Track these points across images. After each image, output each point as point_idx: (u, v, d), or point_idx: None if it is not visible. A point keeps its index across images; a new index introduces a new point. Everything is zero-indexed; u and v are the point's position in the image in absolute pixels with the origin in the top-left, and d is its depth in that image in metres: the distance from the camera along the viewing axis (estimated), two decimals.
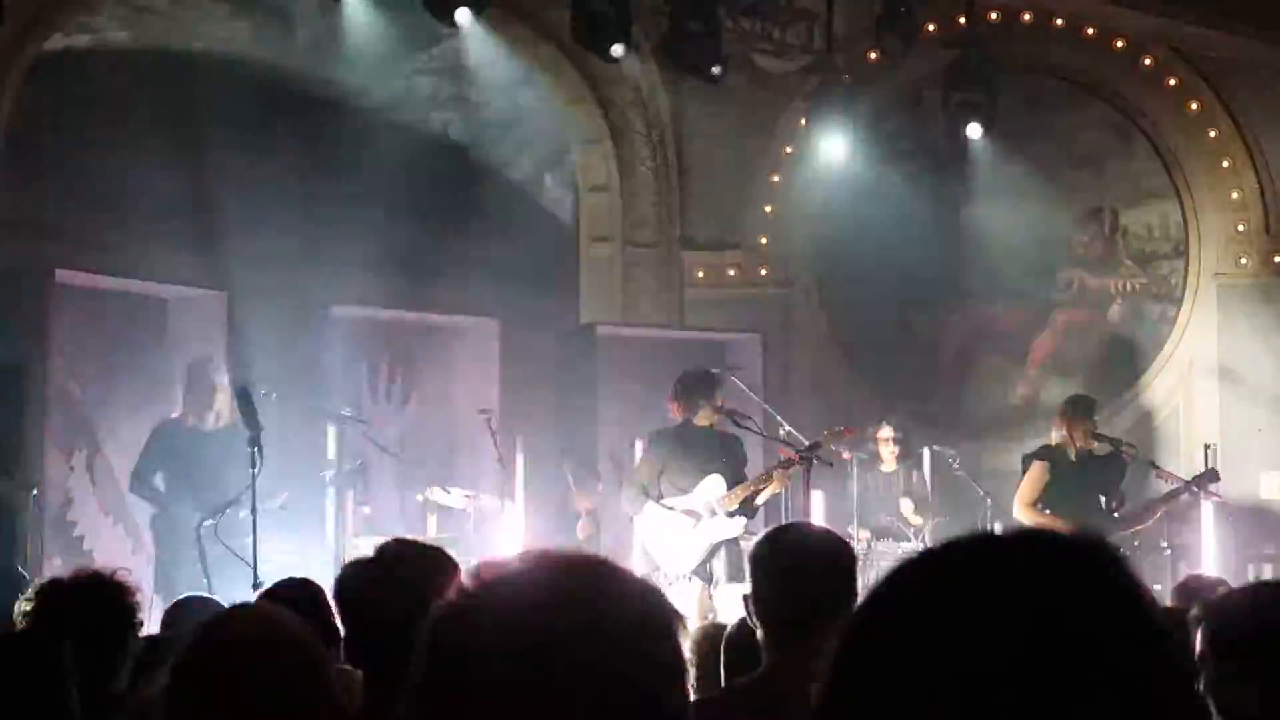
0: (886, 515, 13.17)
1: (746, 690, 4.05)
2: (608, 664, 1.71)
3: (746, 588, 4.20)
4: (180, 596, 7.36)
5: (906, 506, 13.16)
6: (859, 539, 12.64)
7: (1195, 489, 11.47)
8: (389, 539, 5.39)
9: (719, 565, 10.76)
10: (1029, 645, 1.33)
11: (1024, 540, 1.44)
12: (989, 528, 12.60)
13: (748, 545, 10.50)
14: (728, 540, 10.76)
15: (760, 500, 11.06)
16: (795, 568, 4.02)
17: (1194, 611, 3.86)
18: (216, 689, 3.15)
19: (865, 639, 1.41)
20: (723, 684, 5.10)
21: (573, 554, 1.86)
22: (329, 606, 5.89)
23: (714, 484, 10.89)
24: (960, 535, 1.47)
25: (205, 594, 7.60)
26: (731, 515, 10.86)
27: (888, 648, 1.38)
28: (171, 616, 6.59)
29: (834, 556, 4.11)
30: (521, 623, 1.72)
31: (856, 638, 1.42)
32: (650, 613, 1.79)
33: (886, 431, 13.65)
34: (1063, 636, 1.34)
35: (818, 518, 12.23)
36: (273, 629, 3.24)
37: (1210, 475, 11.73)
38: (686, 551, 10.80)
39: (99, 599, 4.81)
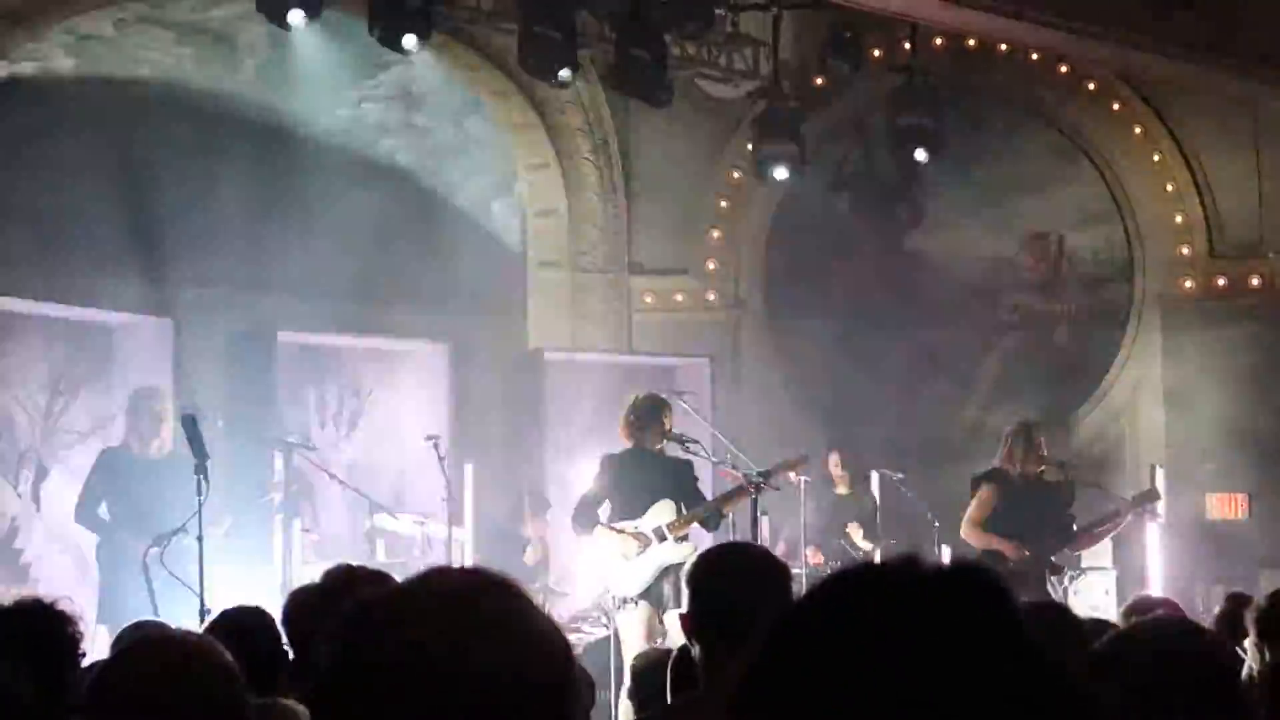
0: (838, 539, 13.24)
1: (683, 710, 4.06)
2: (498, 682, 1.76)
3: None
4: (131, 621, 7.33)
5: (855, 531, 13.25)
6: (810, 562, 12.69)
7: (1136, 509, 11.54)
8: (335, 565, 5.39)
9: (668, 589, 10.74)
10: (911, 675, 1.37)
11: (907, 572, 1.48)
12: (937, 550, 12.68)
13: None
14: (676, 564, 10.75)
15: (727, 510, 11.06)
16: (730, 586, 4.03)
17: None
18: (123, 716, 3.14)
19: (767, 665, 1.45)
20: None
21: (472, 573, 1.91)
22: (278, 634, 5.89)
23: (664, 509, 10.89)
24: (849, 567, 1.53)
25: (157, 619, 7.56)
26: (680, 540, 10.86)
27: (786, 675, 1.42)
28: (121, 641, 6.54)
29: (770, 575, 4.12)
30: (412, 641, 1.77)
31: (759, 664, 1.46)
32: (534, 625, 1.84)
33: (835, 457, 13.77)
34: (942, 666, 1.38)
35: (768, 541, 12.26)
36: (183, 660, 3.21)
37: (1150, 494, 11.80)
38: (634, 575, 10.79)
39: (39, 628, 4.76)
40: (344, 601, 3.81)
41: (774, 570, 4.17)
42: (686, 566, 4.27)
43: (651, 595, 10.80)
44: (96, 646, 9.07)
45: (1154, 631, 3.81)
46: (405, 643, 1.77)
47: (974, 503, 11.59)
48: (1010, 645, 1.42)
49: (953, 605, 1.43)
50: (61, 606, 4.96)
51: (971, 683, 1.38)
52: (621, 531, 10.85)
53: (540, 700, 1.79)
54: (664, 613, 10.68)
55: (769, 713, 1.41)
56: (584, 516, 11.06)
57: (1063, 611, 5.37)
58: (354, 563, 7.19)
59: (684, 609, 4.16)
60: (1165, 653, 3.59)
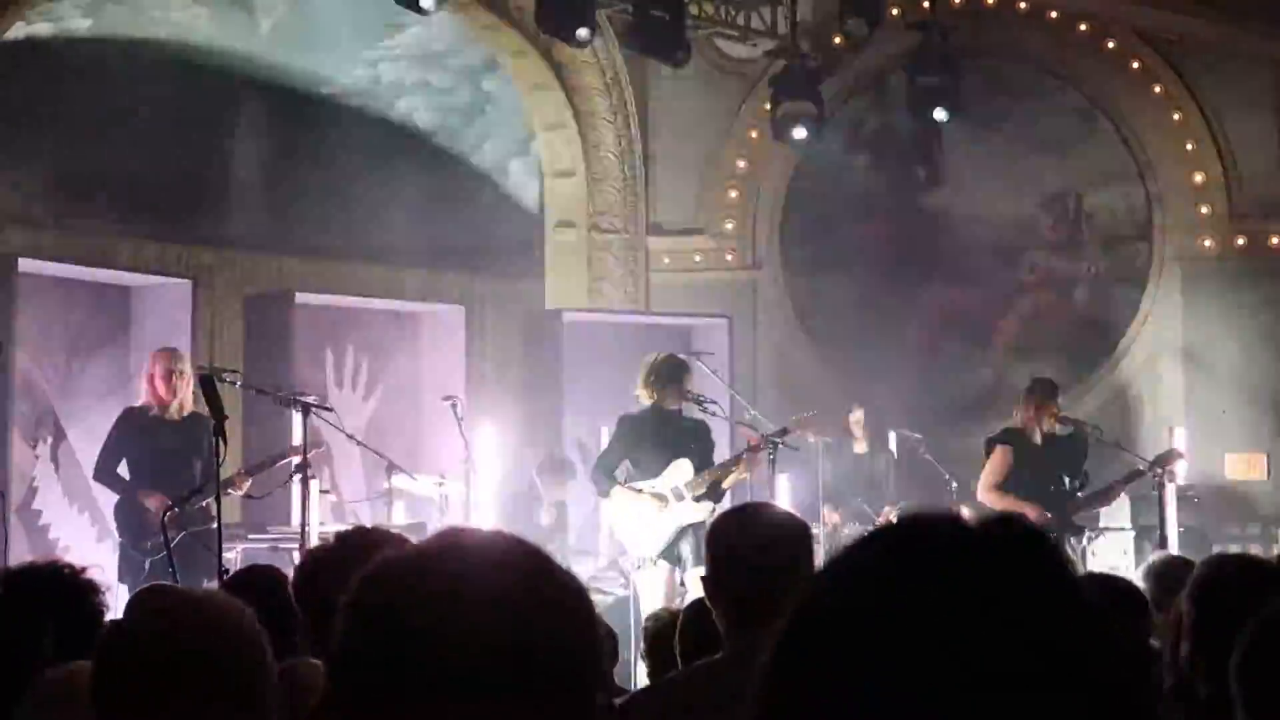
0: (857, 498, 13.24)
1: (706, 672, 4.05)
2: (527, 641, 1.74)
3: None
4: (143, 586, 7.34)
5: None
6: (828, 522, 12.70)
7: (1157, 469, 11.51)
8: (350, 527, 5.39)
9: (687, 548, 10.75)
10: (965, 636, 1.34)
11: (954, 528, 1.44)
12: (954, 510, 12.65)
13: None
14: (695, 524, 10.76)
15: (727, 485, 11.06)
16: (753, 548, 3.99)
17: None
18: (135, 676, 3.11)
19: (807, 627, 1.41)
20: (679, 666, 5.09)
21: (491, 533, 1.89)
22: (290, 595, 5.88)
23: (681, 468, 10.89)
24: (895, 522, 1.48)
25: (169, 584, 7.56)
26: (698, 500, 10.86)
27: (827, 639, 1.39)
28: (136, 606, 6.53)
29: (792, 536, 4.09)
30: (437, 603, 1.75)
31: (798, 624, 1.42)
32: (564, 586, 1.82)
33: (858, 414, 13.77)
34: (995, 625, 1.35)
35: (785, 501, 12.26)
36: (204, 618, 3.19)
37: (1171, 455, 11.77)
38: (653, 535, 10.80)
39: (68, 592, 4.75)
40: (357, 563, 3.80)
41: (796, 531, 4.15)
42: (707, 527, 4.24)
43: (670, 555, 10.81)
44: (116, 606, 9.09)
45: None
46: (423, 607, 1.75)
47: (989, 465, 11.57)
48: (1065, 598, 1.39)
49: (1006, 557, 1.39)
50: (90, 575, 4.96)
51: (1026, 637, 1.34)
52: (640, 492, 10.85)
53: (566, 662, 1.77)
54: (683, 572, 10.69)
55: (809, 680, 1.38)
56: (602, 477, 11.07)
57: (1130, 586, 5.39)
58: (370, 524, 7.20)
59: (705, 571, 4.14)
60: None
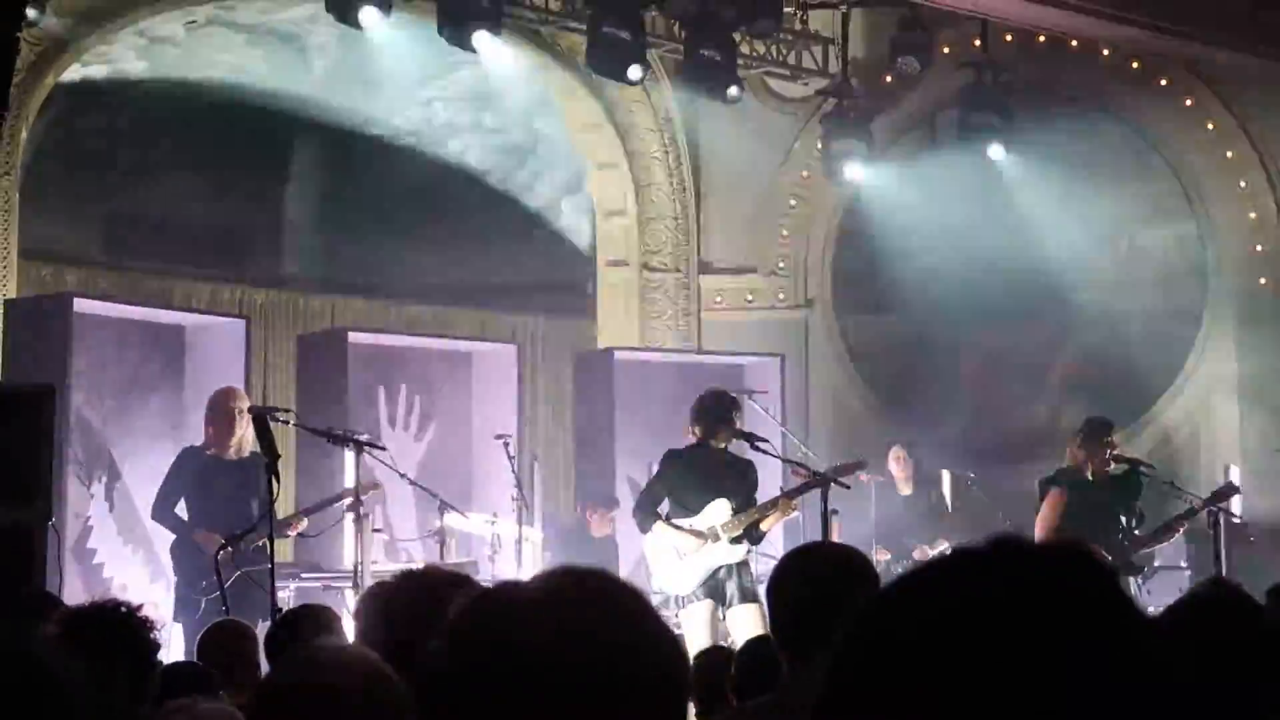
0: (907, 538, 13.18)
1: (765, 709, 4.03)
2: (615, 676, 1.76)
3: (760, 608, 4.18)
4: (215, 621, 7.35)
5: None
6: (879, 560, 12.64)
7: (1213, 506, 11.41)
8: (418, 565, 5.39)
9: (731, 587, 10.65)
10: (1025, 656, 1.32)
11: (1016, 554, 1.42)
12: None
13: (761, 566, 10.45)
14: (739, 562, 10.67)
15: (765, 526, 10.93)
16: (818, 586, 3.99)
17: None
18: None
19: (864, 645, 1.40)
20: (734, 704, 5.07)
21: (583, 570, 1.91)
22: (343, 633, 5.89)
23: (719, 508, 10.75)
24: (960, 547, 1.46)
25: (237, 619, 7.57)
26: (734, 541, 10.71)
27: (886, 654, 1.37)
28: (211, 640, 6.52)
29: (857, 574, 4.09)
30: (530, 636, 1.76)
31: (854, 643, 1.41)
32: (658, 630, 1.84)
33: (896, 452, 13.67)
34: (1058, 647, 1.33)
35: (836, 540, 12.20)
36: (371, 678, 3.13)
37: (1227, 490, 11.67)
38: (685, 574, 10.67)
39: (128, 631, 4.78)
40: (428, 601, 3.77)
41: (859, 567, 4.13)
42: (771, 569, 4.21)
43: (716, 593, 10.69)
44: (170, 645, 9.13)
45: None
46: (524, 644, 1.77)
47: (1046, 506, 11.47)
48: (1125, 627, 1.37)
49: (1062, 584, 1.38)
50: (145, 612, 4.99)
51: (1086, 666, 1.33)
52: (679, 529, 10.72)
53: (657, 702, 1.78)
54: (729, 609, 10.58)
55: (866, 703, 1.36)
56: (644, 513, 10.98)
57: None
58: (423, 563, 7.19)
59: (760, 609, 4.12)
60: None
